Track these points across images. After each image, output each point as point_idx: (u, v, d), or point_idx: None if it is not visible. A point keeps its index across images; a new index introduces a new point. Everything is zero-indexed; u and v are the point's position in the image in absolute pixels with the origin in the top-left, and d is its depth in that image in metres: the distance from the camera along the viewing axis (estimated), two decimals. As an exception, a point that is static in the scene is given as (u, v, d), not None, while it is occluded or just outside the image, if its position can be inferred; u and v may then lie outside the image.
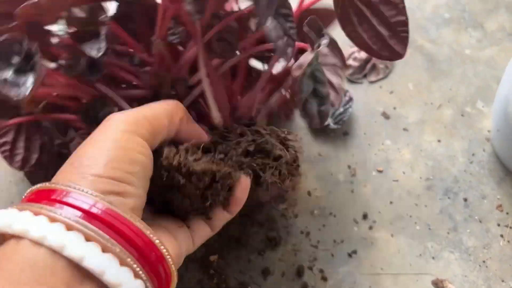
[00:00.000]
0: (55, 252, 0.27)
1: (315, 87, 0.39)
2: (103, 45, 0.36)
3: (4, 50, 0.35)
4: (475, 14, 0.75)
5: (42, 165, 0.48)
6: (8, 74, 0.35)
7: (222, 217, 0.40)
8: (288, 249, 0.54)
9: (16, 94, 0.34)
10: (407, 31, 0.41)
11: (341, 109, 0.63)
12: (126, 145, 0.32)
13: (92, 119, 0.40)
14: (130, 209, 0.31)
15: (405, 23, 0.40)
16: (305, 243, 0.55)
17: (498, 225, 0.56)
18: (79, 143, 0.34)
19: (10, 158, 0.48)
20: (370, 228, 0.56)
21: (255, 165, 0.40)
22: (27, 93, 0.34)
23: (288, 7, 0.38)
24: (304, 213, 0.56)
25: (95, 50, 0.36)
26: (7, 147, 0.48)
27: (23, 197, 0.32)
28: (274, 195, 0.51)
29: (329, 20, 0.47)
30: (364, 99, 0.65)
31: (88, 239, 0.28)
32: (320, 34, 0.38)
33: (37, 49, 0.35)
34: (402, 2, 0.40)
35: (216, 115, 0.40)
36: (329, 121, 0.62)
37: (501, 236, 0.55)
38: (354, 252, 0.54)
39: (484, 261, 0.54)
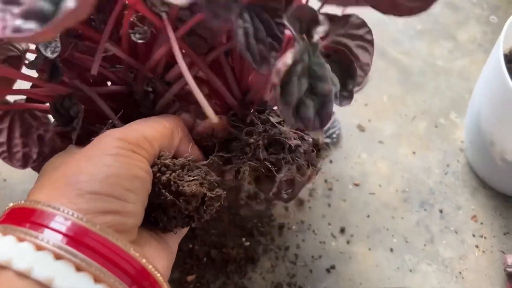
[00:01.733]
0: (43, 285, 0.25)
1: (312, 85, 0.32)
2: (58, 44, 0.33)
3: None
4: (447, 25, 0.76)
5: (46, 156, 0.45)
6: None
7: None
8: (267, 266, 0.54)
9: None
10: None
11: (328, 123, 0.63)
12: (126, 161, 0.30)
13: (64, 117, 0.38)
14: (128, 229, 0.30)
15: None
16: (283, 259, 0.54)
17: (473, 235, 0.57)
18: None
19: (9, 159, 0.45)
20: (348, 242, 0.56)
21: (269, 164, 0.37)
22: None
23: None
24: (282, 229, 0.56)
25: (50, 50, 0.34)
26: (3, 148, 0.45)
27: (4, 213, 0.30)
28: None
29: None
30: (339, 112, 0.66)
31: (78, 268, 0.26)
32: (314, 23, 0.31)
33: None
34: None
35: (211, 114, 0.33)
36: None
37: (476, 246, 0.56)
38: (333, 267, 0.54)
39: (460, 272, 0.54)
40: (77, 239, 0.26)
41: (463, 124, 0.65)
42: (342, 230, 0.57)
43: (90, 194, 0.28)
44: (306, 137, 0.39)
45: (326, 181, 0.60)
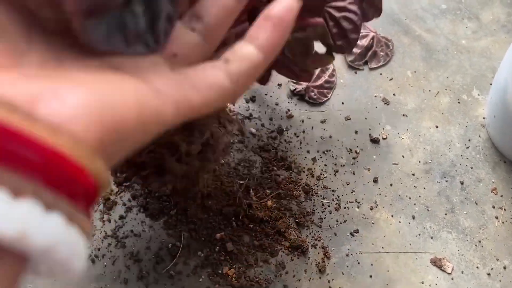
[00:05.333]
0: None
1: None
2: None
3: None
4: (471, 6, 0.77)
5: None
6: None
7: None
8: (293, 227, 0.56)
9: None
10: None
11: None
12: None
13: None
14: None
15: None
16: (309, 222, 0.56)
17: (493, 207, 0.59)
18: None
19: None
20: (371, 209, 0.58)
21: None
22: None
23: None
24: (309, 194, 0.58)
25: None
26: None
27: None
28: None
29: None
30: (365, 85, 0.67)
31: None
32: None
33: None
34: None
35: None
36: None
37: (496, 217, 0.58)
38: (356, 231, 0.56)
39: (480, 241, 0.56)
40: None
41: (485, 101, 0.67)
42: (366, 197, 0.58)
43: None
44: None
45: (351, 150, 0.62)
